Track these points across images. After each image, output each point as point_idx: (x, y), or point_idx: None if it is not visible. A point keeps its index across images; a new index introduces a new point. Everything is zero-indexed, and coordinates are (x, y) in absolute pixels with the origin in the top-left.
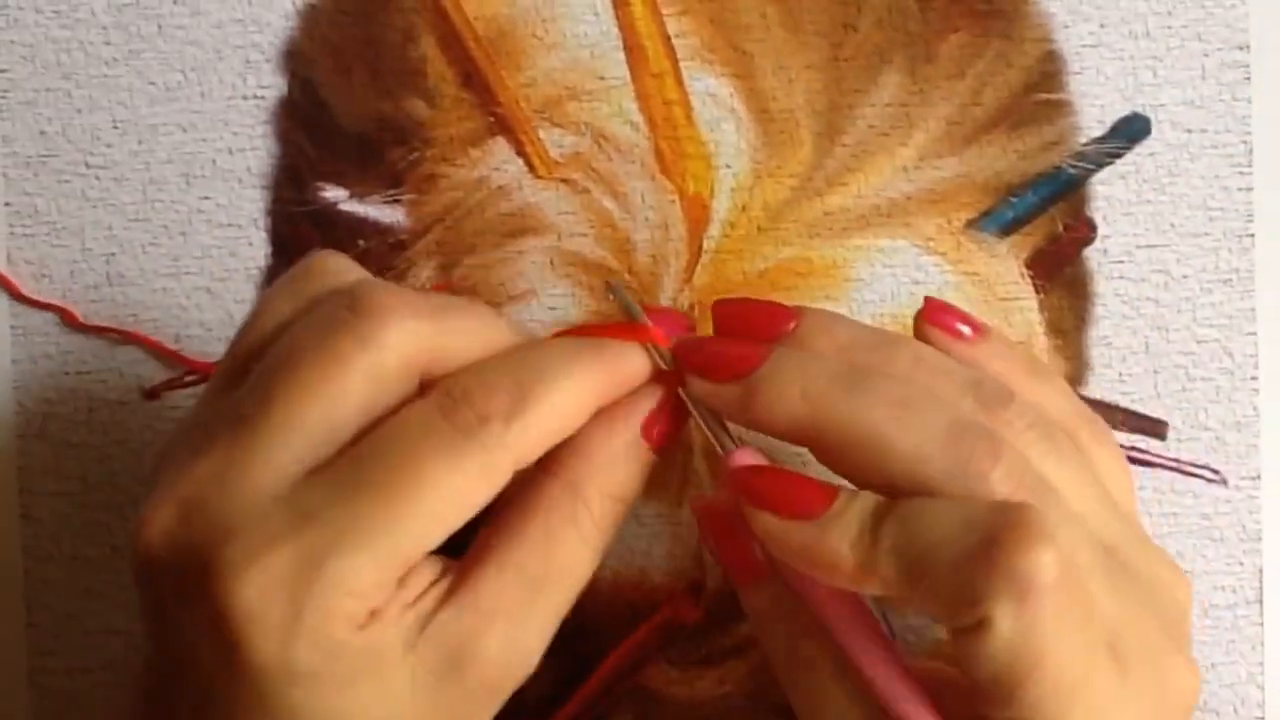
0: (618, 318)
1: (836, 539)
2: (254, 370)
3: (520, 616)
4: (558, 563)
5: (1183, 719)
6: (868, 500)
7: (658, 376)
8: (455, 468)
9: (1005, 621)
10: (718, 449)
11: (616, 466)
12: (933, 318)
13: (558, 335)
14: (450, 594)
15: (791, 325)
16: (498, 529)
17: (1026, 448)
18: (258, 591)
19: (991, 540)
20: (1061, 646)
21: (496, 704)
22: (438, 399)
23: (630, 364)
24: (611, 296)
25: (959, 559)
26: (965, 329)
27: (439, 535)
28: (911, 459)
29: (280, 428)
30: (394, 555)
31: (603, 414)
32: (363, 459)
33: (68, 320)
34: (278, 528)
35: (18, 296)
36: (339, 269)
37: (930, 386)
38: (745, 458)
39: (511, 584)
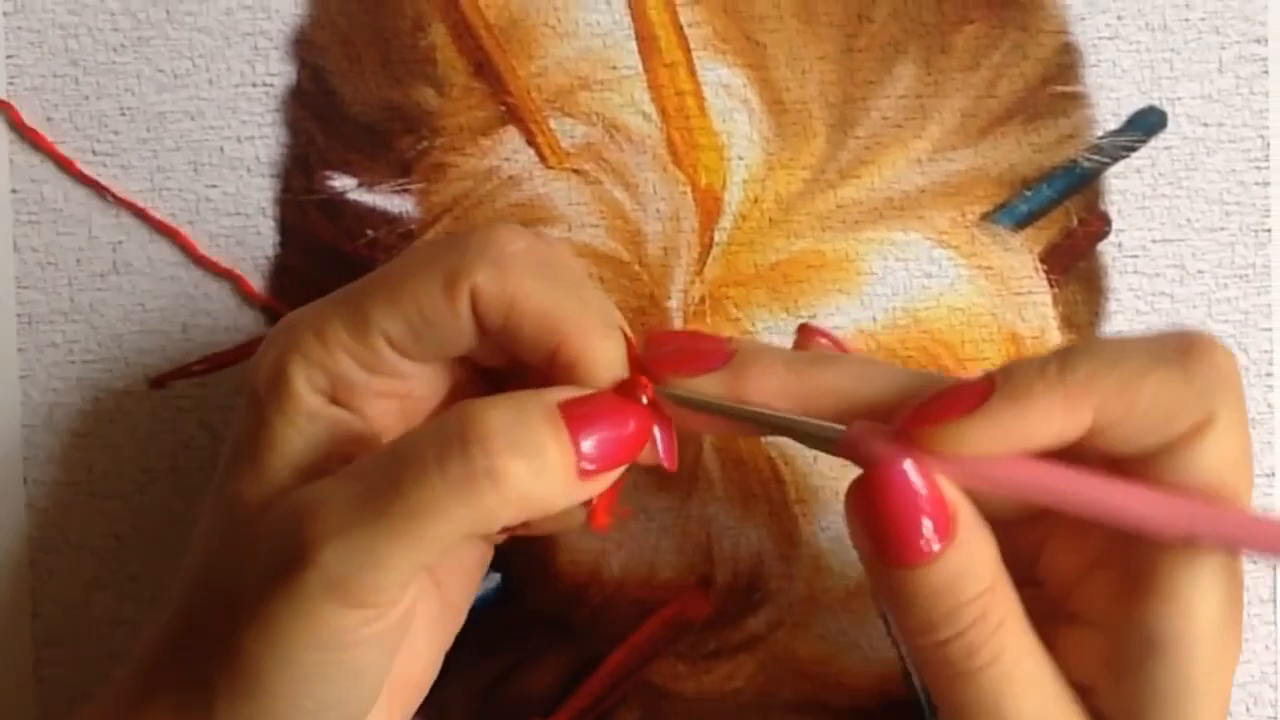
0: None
1: (1040, 387)
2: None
3: (357, 531)
4: (412, 499)
5: None
6: (1033, 359)
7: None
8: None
9: (1226, 417)
10: (828, 438)
11: (525, 435)
12: (814, 333)
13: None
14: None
15: (728, 346)
16: (404, 438)
17: None
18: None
19: (1193, 346)
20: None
21: (322, 625)
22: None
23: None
24: None
25: (1171, 366)
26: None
27: (397, 327)
28: (898, 403)
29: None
30: (360, 324)
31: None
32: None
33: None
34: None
35: (199, 258)
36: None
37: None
38: (864, 424)
39: (358, 489)
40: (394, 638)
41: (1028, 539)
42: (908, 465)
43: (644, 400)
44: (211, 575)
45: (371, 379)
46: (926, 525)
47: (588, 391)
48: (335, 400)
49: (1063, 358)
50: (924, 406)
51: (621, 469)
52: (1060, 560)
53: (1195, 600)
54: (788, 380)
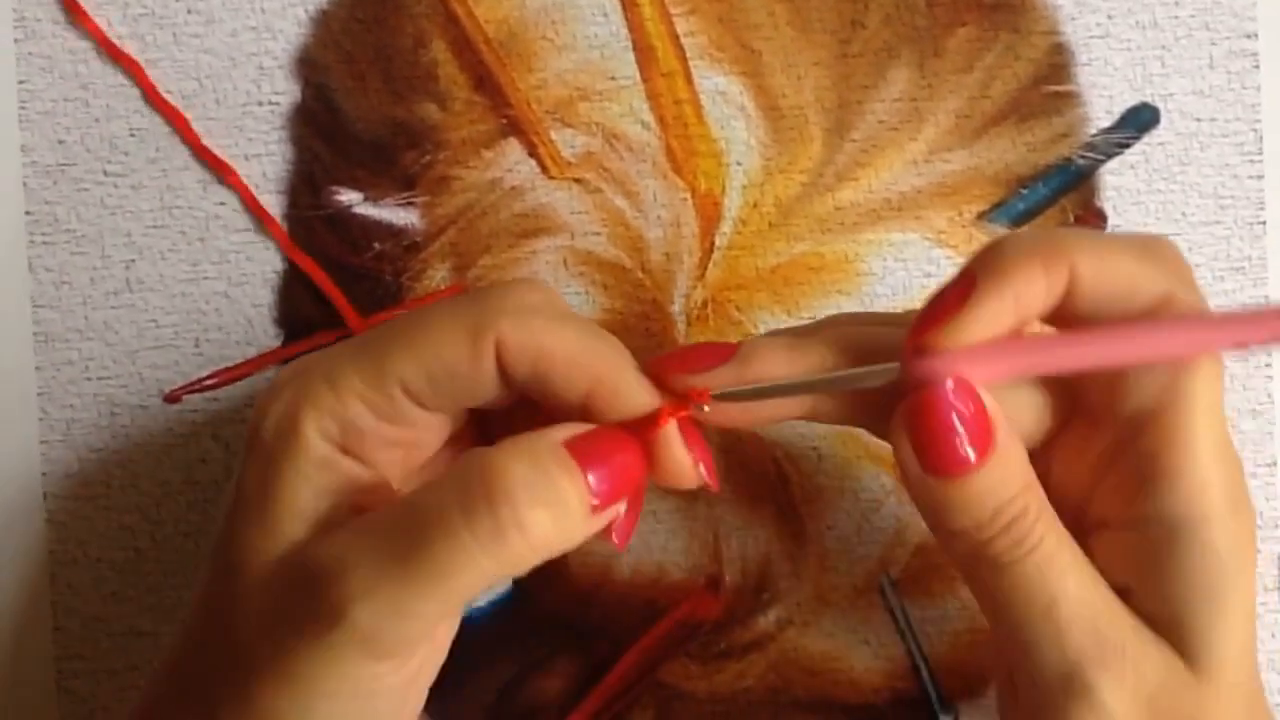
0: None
1: (1020, 257)
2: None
3: (389, 588)
4: (442, 555)
5: None
6: (1004, 237)
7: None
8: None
9: (1183, 300)
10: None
11: (546, 484)
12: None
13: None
14: (352, 516)
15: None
16: (424, 492)
17: None
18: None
19: (1153, 238)
20: None
21: (346, 678)
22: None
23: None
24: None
25: (1134, 243)
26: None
27: (416, 376)
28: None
29: (391, 350)
30: (377, 373)
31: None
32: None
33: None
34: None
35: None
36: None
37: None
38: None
39: (384, 546)
40: (412, 684)
41: (1035, 468)
42: (949, 386)
43: (705, 409)
44: (217, 629)
45: (382, 427)
46: (970, 438)
47: (587, 428)
48: (344, 449)
49: (1036, 232)
50: (923, 316)
51: (625, 498)
52: (1069, 475)
53: (1201, 477)
54: (792, 358)
